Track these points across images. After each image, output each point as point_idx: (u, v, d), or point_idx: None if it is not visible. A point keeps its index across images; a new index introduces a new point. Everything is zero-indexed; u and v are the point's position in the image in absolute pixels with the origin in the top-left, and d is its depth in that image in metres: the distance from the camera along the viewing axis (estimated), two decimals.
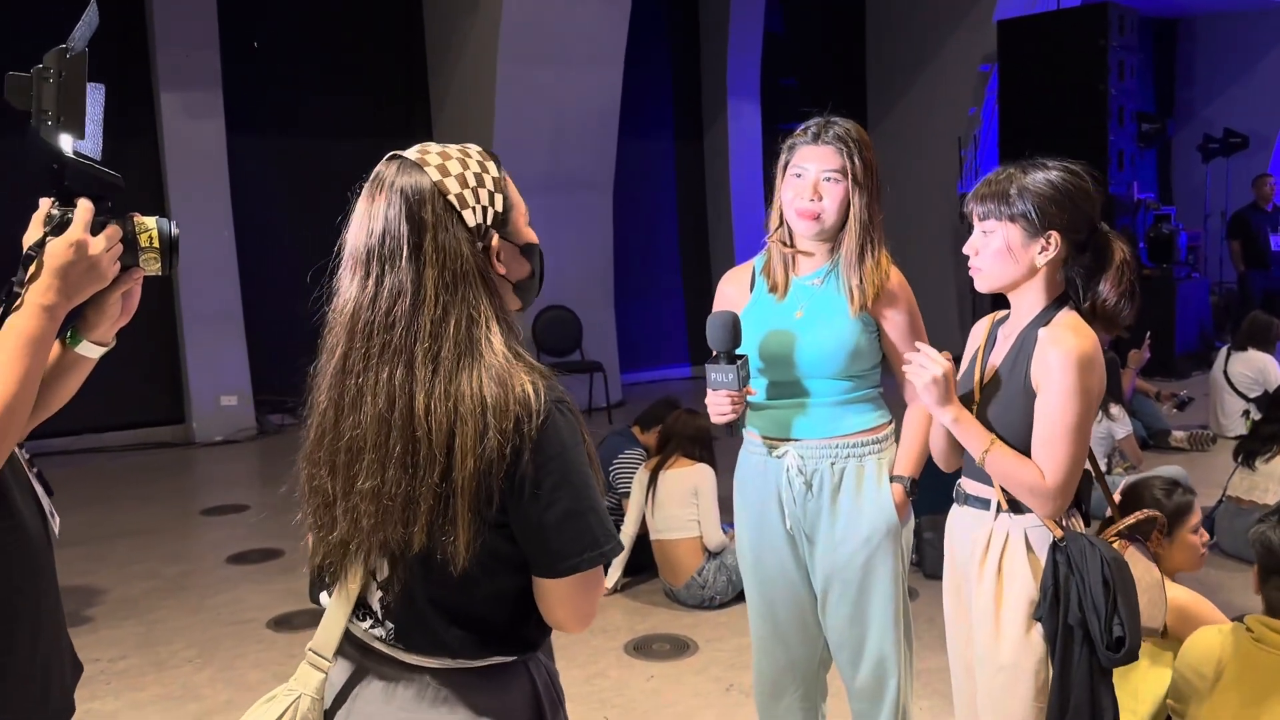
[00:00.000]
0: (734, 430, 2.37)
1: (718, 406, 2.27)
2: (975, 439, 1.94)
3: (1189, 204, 11.75)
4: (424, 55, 8.36)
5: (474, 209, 1.30)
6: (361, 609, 1.36)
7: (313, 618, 4.75)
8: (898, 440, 2.39)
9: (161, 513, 5.75)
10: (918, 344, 2.03)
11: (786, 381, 2.33)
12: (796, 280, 2.34)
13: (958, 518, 2.10)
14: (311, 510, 1.34)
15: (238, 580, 4.64)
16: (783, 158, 2.33)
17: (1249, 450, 4.56)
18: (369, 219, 1.30)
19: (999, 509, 1.98)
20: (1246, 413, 6.26)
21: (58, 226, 1.33)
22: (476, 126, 7.80)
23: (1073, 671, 1.87)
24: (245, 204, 7.50)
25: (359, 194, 1.34)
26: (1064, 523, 1.93)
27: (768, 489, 2.36)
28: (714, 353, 2.26)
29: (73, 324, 1.41)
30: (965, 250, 2.01)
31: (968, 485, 2.07)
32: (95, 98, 1.39)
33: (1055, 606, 1.87)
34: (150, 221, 1.44)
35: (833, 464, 2.30)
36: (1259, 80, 12.20)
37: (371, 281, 1.28)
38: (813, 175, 2.25)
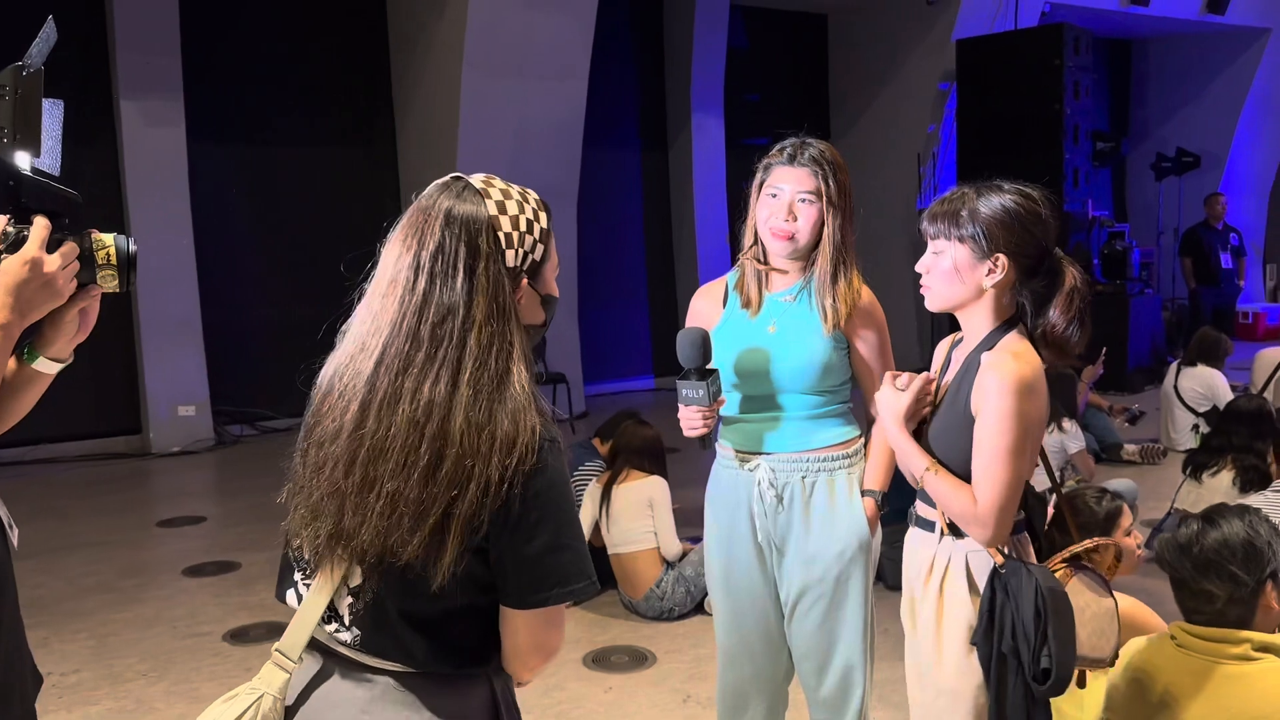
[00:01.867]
0: (706, 444, 2.40)
1: (689, 421, 2.31)
2: (914, 461, 1.98)
3: (1142, 221, 11.99)
4: (388, 64, 8.34)
5: (516, 251, 1.35)
6: (329, 613, 1.38)
7: (268, 630, 4.72)
8: (867, 454, 2.43)
9: (116, 524, 5.68)
10: (889, 373, 2.10)
11: (758, 396, 2.37)
12: (770, 296, 2.39)
13: (910, 539, 2.13)
14: (310, 498, 1.34)
15: (194, 593, 4.59)
16: (758, 176, 2.36)
17: (1197, 463, 4.66)
18: (423, 232, 1.33)
19: (942, 533, 2.00)
20: (1196, 427, 6.38)
21: (13, 244, 1.33)
22: (441, 136, 7.80)
23: (1008, 698, 1.88)
24: (205, 212, 7.44)
25: (414, 199, 1.38)
26: (1006, 549, 1.94)
27: (739, 502, 2.40)
28: (684, 369, 2.29)
29: (29, 340, 1.42)
30: (917, 268, 2.03)
31: (919, 508, 2.09)
32: (54, 114, 1.39)
33: (990, 633, 1.89)
34: (108, 238, 1.44)
35: (803, 478, 2.34)
36: (1210, 101, 12.48)
37: (420, 291, 1.31)
38: (788, 196, 2.29)
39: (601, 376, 9.26)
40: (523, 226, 1.37)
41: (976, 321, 2.00)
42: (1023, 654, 1.85)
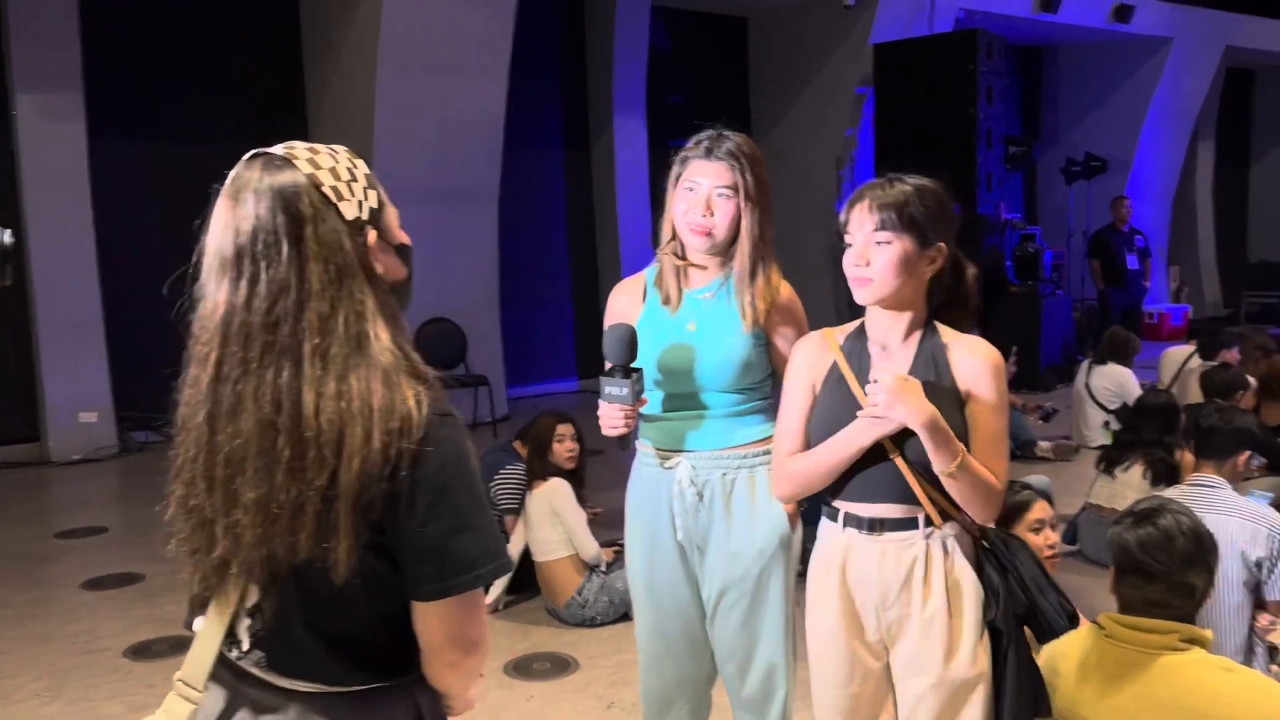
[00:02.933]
0: (626, 444, 2.35)
1: (610, 420, 2.25)
2: (949, 447, 1.86)
3: (1053, 224, 12.30)
4: (300, 57, 8.12)
5: (350, 201, 1.26)
6: (229, 638, 1.31)
7: (172, 645, 4.51)
8: None
9: (12, 537, 5.41)
10: (875, 378, 1.95)
11: (679, 394, 2.33)
12: (689, 293, 2.35)
13: (864, 545, 1.99)
14: (187, 531, 1.26)
15: (93, 606, 4.38)
16: (675, 170, 2.31)
17: (1109, 459, 4.75)
18: (236, 218, 1.23)
19: (930, 525, 1.96)
20: (1107, 424, 6.53)
21: None
22: (355, 132, 7.62)
23: (1029, 665, 1.97)
24: (108, 210, 7.15)
25: (218, 192, 1.27)
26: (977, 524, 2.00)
27: (660, 501, 2.36)
28: (608, 365, 2.23)
29: None
30: (854, 260, 1.93)
31: (875, 509, 1.97)
32: None
33: (1007, 605, 1.95)
34: None
35: (724, 475, 2.31)
36: (1117, 107, 12.86)
37: (245, 282, 1.21)
38: (705, 190, 2.25)
39: (524, 379, 9.15)
40: (344, 176, 1.27)
41: (911, 313, 1.98)
42: (1045, 607, 1.94)
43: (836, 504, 2.04)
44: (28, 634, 4.08)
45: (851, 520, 2.01)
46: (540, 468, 4.15)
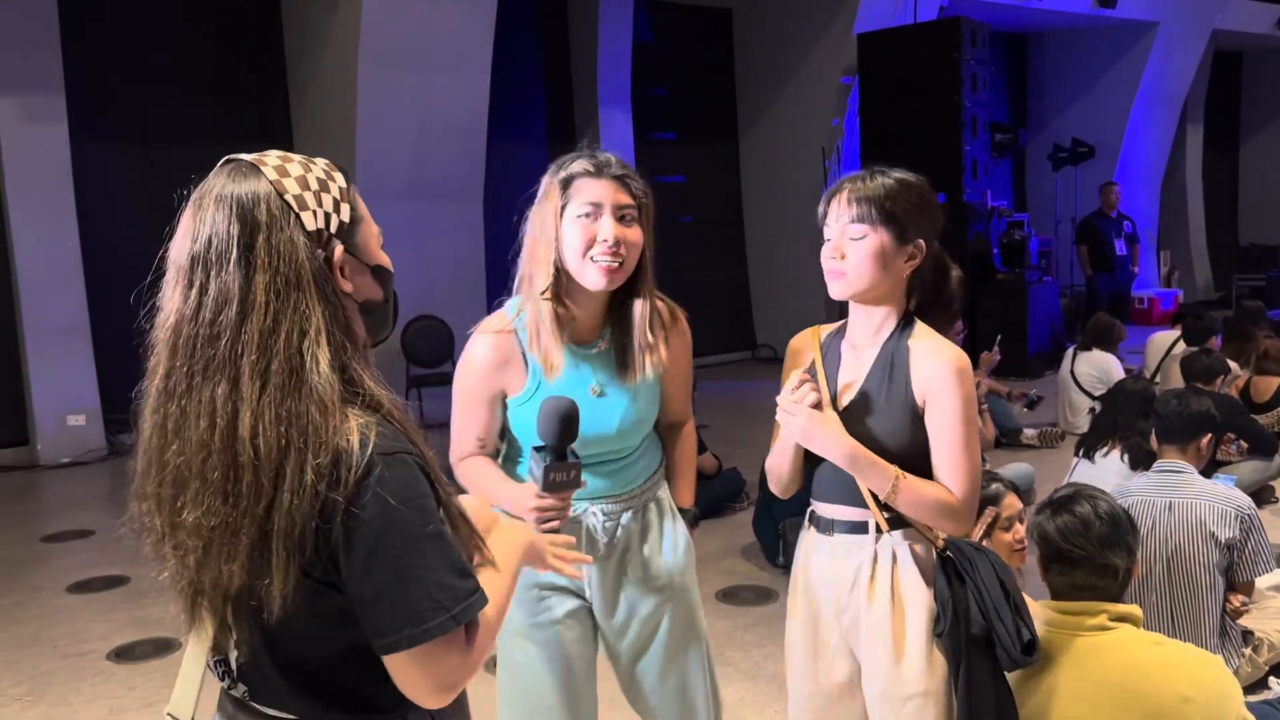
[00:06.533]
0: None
1: (549, 513, 1.84)
2: (879, 475, 1.83)
3: (1041, 211, 12.30)
4: (282, 56, 8.11)
5: (314, 211, 1.20)
6: (222, 666, 1.30)
7: (156, 647, 4.47)
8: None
9: None
10: (780, 396, 1.89)
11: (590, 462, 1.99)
12: (580, 350, 2.00)
13: (822, 545, 1.98)
14: (150, 548, 1.25)
15: (78, 609, 4.39)
16: (554, 199, 1.95)
17: (1088, 444, 4.76)
18: (196, 224, 1.19)
19: (879, 529, 1.90)
20: (1093, 410, 6.53)
21: None
22: (338, 131, 7.62)
23: (982, 683, 1.84)
24: (92, 213, 7.14)
25: (187, 198, 1.23)
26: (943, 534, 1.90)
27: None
28: (540, 447, 1.83)
29: None
30: (829, 253, 1.89)
31: (831, 510, 1.96)
32: None
33: (957, 620, 1.83)
34: None
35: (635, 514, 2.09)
36: (1104, 92, 12.85)
37: (195, 291, 1.17)
38: (607, 214, 1.91)
39: None
40: (313, 185, 1.22)
41: (882, 310, 1.92)
42: (1000, 632, 1.82)
43: (811, 502, 2.03)
44: (11, 637, 4.08)
45: (815, 519, 2.01)
46: None
